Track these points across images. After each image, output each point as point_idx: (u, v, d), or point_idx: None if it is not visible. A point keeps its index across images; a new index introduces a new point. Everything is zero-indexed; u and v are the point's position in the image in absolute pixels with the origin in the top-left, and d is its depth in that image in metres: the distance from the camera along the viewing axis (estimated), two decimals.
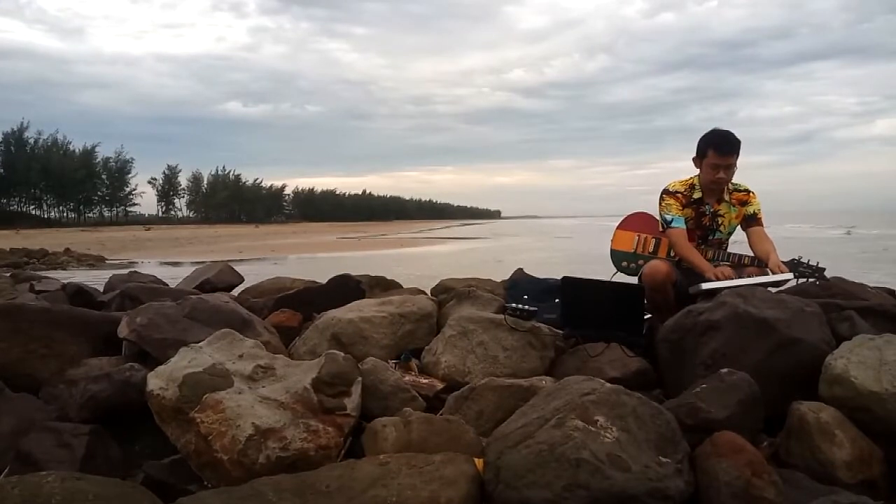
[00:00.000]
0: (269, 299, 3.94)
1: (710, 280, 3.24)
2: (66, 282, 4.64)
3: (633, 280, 3.58)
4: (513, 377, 2.70)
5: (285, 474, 1.99)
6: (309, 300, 3.81)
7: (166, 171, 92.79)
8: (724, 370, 2.35)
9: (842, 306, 2.96)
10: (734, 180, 3.59)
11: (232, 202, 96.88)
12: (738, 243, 3.70)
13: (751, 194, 3.60)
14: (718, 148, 3.43)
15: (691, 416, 2.17)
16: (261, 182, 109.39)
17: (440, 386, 2.84)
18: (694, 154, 3.57)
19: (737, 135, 3.46)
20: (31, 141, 71.32)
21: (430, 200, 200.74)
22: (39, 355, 2.87)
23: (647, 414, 2.05)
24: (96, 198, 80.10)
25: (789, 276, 3.28)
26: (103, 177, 79.77)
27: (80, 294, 4.05)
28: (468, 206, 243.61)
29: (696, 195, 3.57)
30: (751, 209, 3.58)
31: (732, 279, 3.21)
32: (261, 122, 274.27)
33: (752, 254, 3.50)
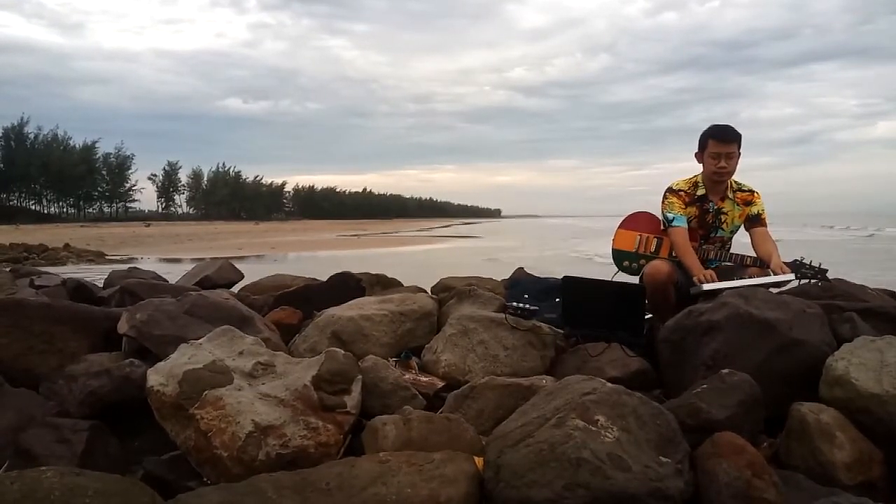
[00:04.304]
0: (269, 296, 3.94)
1: (701, 281, 3.25)
2: (66, 277, 4.64)
3: (635, 280, 3.57)
4: (513, 376, 2.70)
5: (285, 471, 1.99)
6: (309, 298, 3.81)
7: (166, 168, 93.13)
8: (725, 371, 2.34)
9: (843, 308, 2.95)
10: (739, 180, 3.61)
11: (232, 199, 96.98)
12: (742, 245, 3.70)
13: (755, 195, 3.61)
14: (718, 136, 3.47)
15: (692, 417, 2.17)
16: (261, 179, 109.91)
17: (440, 384, 2.83)
18: (696, 151, 3.60)
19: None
20: (31, 136, 71.55)
21: (430, 199, 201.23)
22: (39, 351, 2.87)
23: (647, 414, 2.04)
24: (96, 193, 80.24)
25: (791, 276, 3.28)
26: (103, 172, 79.91)
27: (80, 290, 4.05)
28: (468, 204, 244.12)
29: (700, 192, 3.58)
30: (755, 209, 3.58)
31: (717, 282, 3.21)
32: (261, 119, 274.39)
33: (754, 254, 3.50)
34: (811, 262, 3.37)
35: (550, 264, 14.28)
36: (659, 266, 3.38)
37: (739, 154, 3.50)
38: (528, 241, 32.31)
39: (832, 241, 27.91)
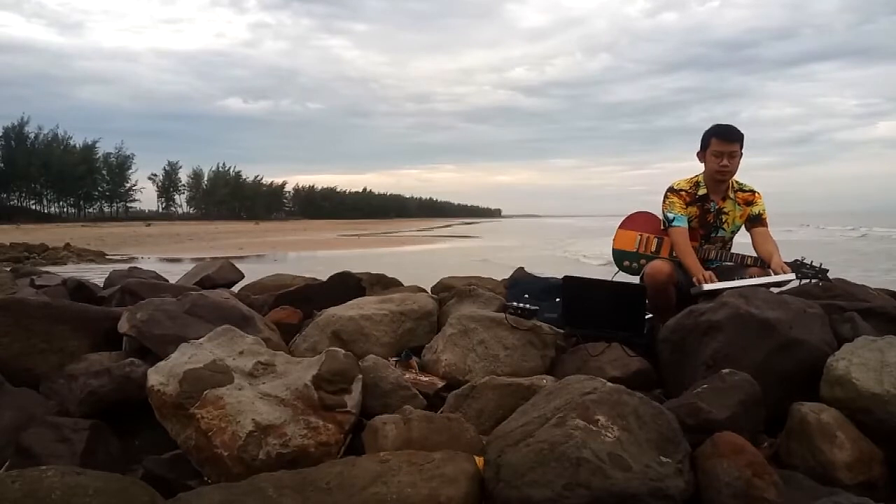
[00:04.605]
0: (269, 296, 3.94)
1: (700, 282, 3.25)
2: (66, 277, 4.64)
3: (635, 280, 3.57)
4: (513, 376, 2.70)
5: (285, 471, 1.99)
6: (309, 297, 3.81)
7: (167, 167, 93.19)
8: (726, 370, 2.34)
9: (844, 308, 2.95)
10: (740, 180, 3.61)
11: (232, 199, 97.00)
12: (743, 245, 3.70)
13: (756, 195, 3.61)
14: (721, 135, 3.47)
15: (692, 417, 2.17)
16: (261, 179, 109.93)
17: (440, 384, 2.83)
18: (698, 150, 3.60)
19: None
20: (32, 136, 71.51)
21: (430, 199, 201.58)
22: (39, 350, 2.87)
23: (648, 414, 2.04)
24: (96, 193, 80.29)
25: (792, 276, 3.28)
26: (104, 172, 79.92)
27: (80, 289, 4.05)
28: (468, 204, 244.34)
29: (702, 192, 3.58)
30: (756, 209, 3.58)
31: (716, 283, 3.21)
32: (261, 119, 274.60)
33: (754, 254, 3.50)
34: (812, 261, 3.37)
35: (542, 264, 14.28)
36: (659, 266, 3.38)
37: (741, 154, 3.50)
38: (526, 241, 32.34)
39: (829, 240, 27.92)
